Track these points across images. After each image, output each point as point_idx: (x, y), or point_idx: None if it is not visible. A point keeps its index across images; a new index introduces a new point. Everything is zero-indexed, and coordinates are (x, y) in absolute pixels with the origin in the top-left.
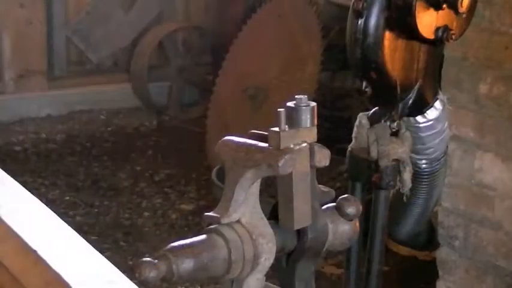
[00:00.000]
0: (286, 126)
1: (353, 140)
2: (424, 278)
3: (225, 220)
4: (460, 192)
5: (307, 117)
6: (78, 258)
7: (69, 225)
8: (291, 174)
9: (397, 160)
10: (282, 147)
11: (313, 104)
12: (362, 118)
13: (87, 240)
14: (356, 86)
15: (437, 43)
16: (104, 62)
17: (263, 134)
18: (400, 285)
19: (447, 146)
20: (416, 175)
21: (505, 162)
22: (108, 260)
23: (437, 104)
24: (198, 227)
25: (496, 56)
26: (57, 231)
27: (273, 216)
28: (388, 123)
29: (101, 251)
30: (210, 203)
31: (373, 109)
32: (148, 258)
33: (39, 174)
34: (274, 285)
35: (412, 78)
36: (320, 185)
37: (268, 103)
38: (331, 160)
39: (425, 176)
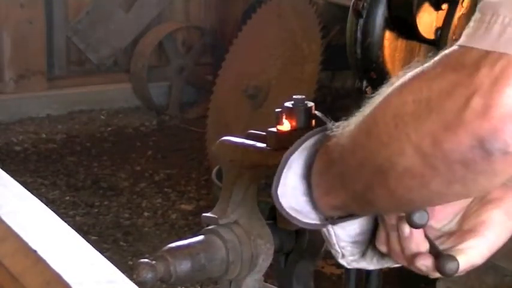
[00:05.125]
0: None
1: None
2: (424, 278)
3: (223, 221)
4: None
5: (305, 117)
6: (78, 258)
7: (69, 225)
8: None
9: None
10: (279, 147)
11: (311, 104)
12: None
13: (87, 240)
14: (356, 86)
15: (437, 43)
16: (104, 62)
17: (261, 133)
18: (400, 285)
19: None
20: None
21: None
22: (108, 260)
23: None
24: (198, 227)
25: None
26: (57, 231)
27: (271, 216)
28: None
29: (101, 251)
30: (210, 203)
31: None
32: (146, 260)
33: (39, 174)
34: (273, 286)
35: None
36: None
37: (268, 103)
38: None
39: None
